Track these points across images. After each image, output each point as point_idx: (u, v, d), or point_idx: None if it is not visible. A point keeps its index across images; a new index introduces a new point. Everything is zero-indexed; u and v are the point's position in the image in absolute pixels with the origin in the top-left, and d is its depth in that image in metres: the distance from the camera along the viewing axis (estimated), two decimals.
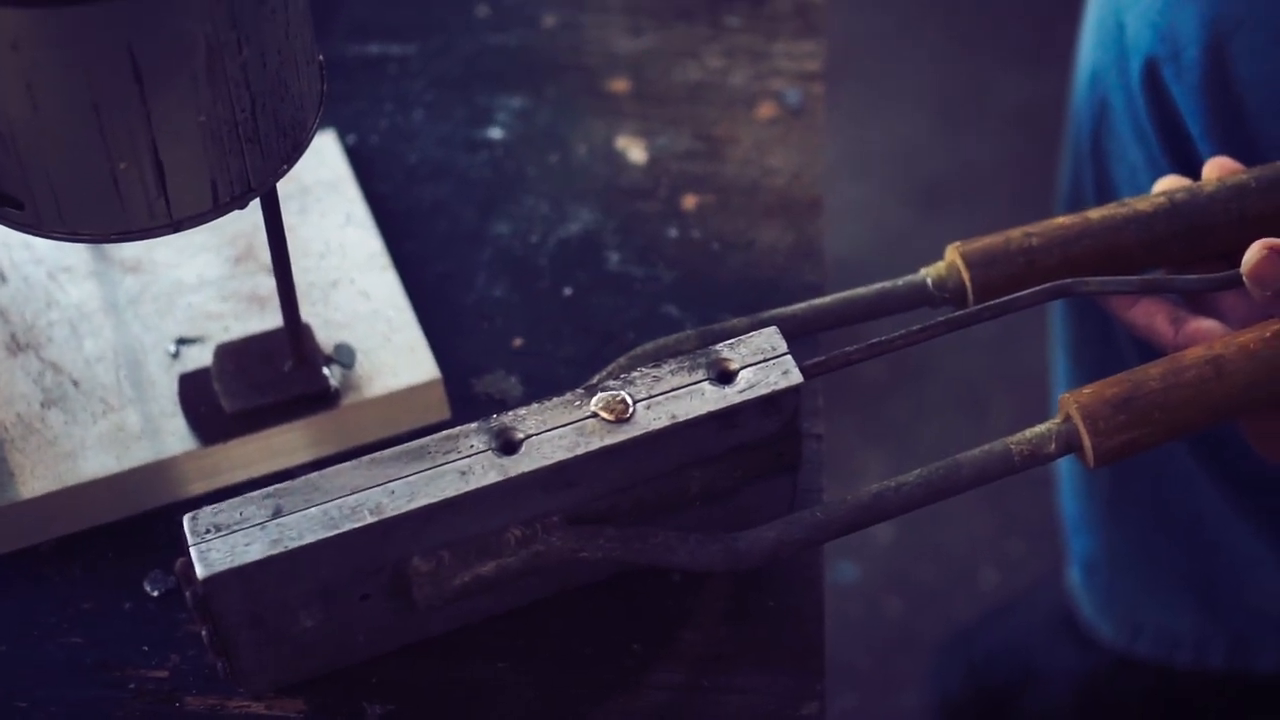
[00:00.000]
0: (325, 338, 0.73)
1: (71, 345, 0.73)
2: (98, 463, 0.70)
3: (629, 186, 0.80)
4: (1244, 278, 0.64)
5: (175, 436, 0.71)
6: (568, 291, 0.77)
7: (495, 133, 0.82)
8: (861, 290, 0.67)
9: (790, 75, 0.84)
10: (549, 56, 0.85)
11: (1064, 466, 1.10)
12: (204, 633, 0.60)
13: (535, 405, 0.60)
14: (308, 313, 0.73)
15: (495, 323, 0.76)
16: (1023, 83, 1.66)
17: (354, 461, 0.60)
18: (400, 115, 0.83)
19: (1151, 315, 0.69)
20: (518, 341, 0.75)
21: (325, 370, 0.71)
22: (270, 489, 0.59)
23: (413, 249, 0.78)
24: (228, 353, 0.72)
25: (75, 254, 0.76)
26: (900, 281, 0.68)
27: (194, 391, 0.72)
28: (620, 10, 0.87)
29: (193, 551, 0.58)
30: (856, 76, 1.69)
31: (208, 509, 0.59)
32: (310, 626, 0.60)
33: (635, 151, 0.82)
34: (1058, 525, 1.15)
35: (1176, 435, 0.64)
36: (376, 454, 0.60)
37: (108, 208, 0.60)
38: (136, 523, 0.70)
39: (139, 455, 0.70)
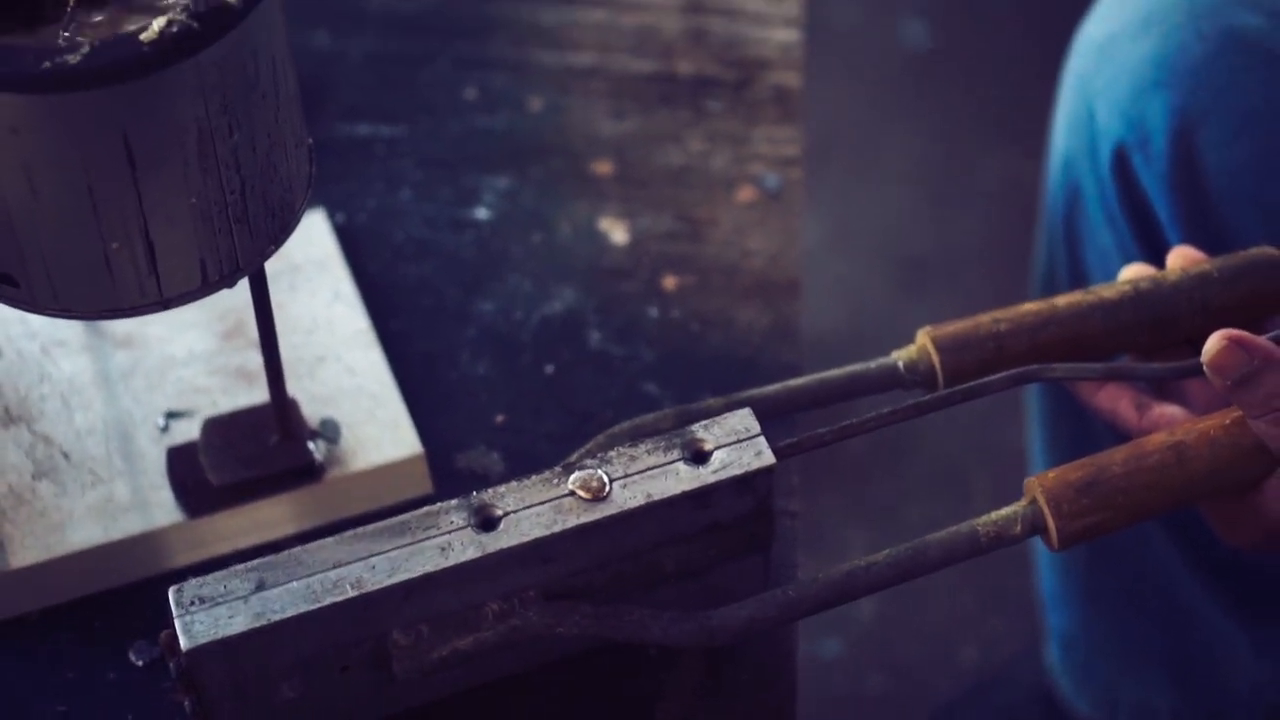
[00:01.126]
0: (311, 412, 0.75)
1: (63, 418, 0.75)
2: (86, 534, 0.71)
3: (611, 266, 0.82)
4: (1205, 367, 0.66)
5: (162, 509, 0.72)
6: (549, 369, 0.78)
7: (481, 213, 0.84)
8: (835, 372, 0.69)
9: (769, 160, 0.86)
10: (535, 139, 0.87)
11: (1040, 544, 1.12)
12: (187, 703, 0.61)
13: (514, 483, 0.62)
14: (294, 387, 0.75)
15: (478, 399, 0.77)
16: (1004, 163, 1.68)
17: (336, 536, 0.61)
18: (389, 195, 0.85)
19: (1116, 400, 0.71)
20: (499, 418, 0.77)
21: (310, 445, 0.73)
22: (254, 563, 0.61)
23: (399, 326, 0.80)
24: (215, 427, 0.73)
25: (68, 329, 0.78)
26: (873, 364, 0.69)
27: (182, 464, 0.73)
28: (604, 95, 0.89)
29: (177, 623, 0.59)
30: (841, 154, 1.71)
31: (193, 582, 0.60)
32: (292, 698, 0.62)
33: (617, 232, 0.84)
34: (1037, 602, 1.16)
35: (1139, 519, 0.66)
36: (359, 529, 0.61)
37: (100, 286, 0.62)
38: (123, 593, 0.71)
39: (126, 527, 0.71)
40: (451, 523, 0.61)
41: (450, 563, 0.60)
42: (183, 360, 0.77)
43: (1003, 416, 1.46)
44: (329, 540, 0.61)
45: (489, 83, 0.89)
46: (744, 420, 0.64)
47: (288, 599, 0.59)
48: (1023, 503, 0.66)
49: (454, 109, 0.88)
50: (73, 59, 0.56)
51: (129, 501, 0.72)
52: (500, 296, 0.81)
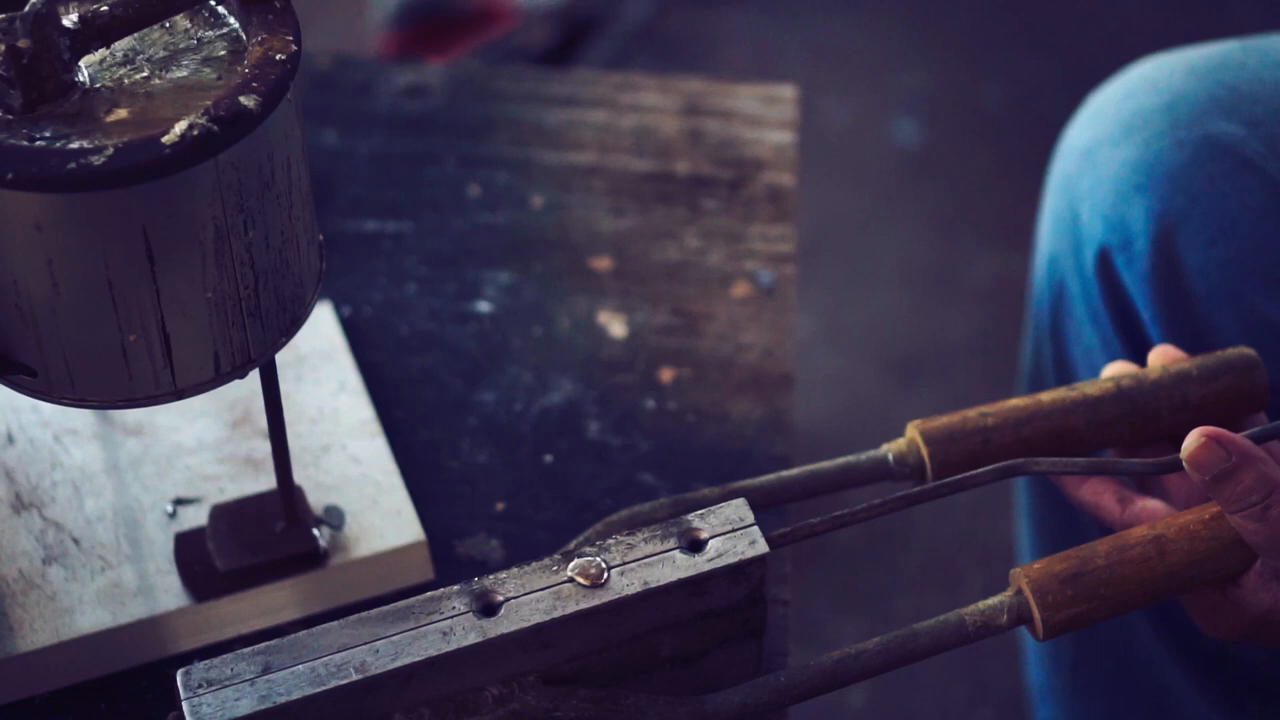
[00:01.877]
0: (316, 500, 0.77)
1: (73, 504, 0.77)
2: (95, 618, 0.73)
3: (609, 359, 0.84)
4: (1184, 463, 0.68)
5: (170, 594, 0.74)
6: (548, 459, 0.81)
7: (483, 306, 0.87)
8: (827, 464, 0.71)
9: (764, 257, 0.89)
10: (536, 235, 0.90)
11: (1028, 636, 1.13)
12: None
13: (514, 569, 0.64)
14: (300, 475, 0.77)
15: (478, 488, 0.79)
16: (993, 262, 1.71)
17: (341, 621, 0.63)
18: (394, 288, 0.87)
19: (1100, 494, 0.73)
20: (500, 506, 0.79)
21: (315, 531, 0.75)
22: (260, 646, 0.62)
23: (402, 416, 0.82)
24: (222, 513, 0.75)
25: (80, 417, 0.80)
26: (863, 456, 0.72)
27: (189, 550, 0.75)
28: (604, 193, 0.92)
29: (185, 705, 0.61)
30: (835, 253, 1.74)
31: (200, 665, 0.62)
32: None
33: (616, 326, 0.86)
34: (1025, 695, 1.17)
35: (1122, 610, 0.67)
36: (363, 614, 0.63)
37: (116, 377, 0.64)
38: (130, 676, 0.73)
39: (134, 611, 0.73)
40: (453, 608, 0.63)
41: (452, 647, 0.61)
42: (191, 449, 0.79)
43: (992, 509, 1.48)
44: (334, 624, 0.63)
45: (492, 181, 0.92)
46: (739, 510, 0.66)
47: (293, 682, 0.61)
48: (1008, 593, 0.67)
49: (458, 206, 0.91)
50: (97, 160, 0.58)
51: (137, 586, 0.74)
52: (501, 387, 0.83)
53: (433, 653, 0.61)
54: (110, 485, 0.77)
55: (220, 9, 0.65)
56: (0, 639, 0.72)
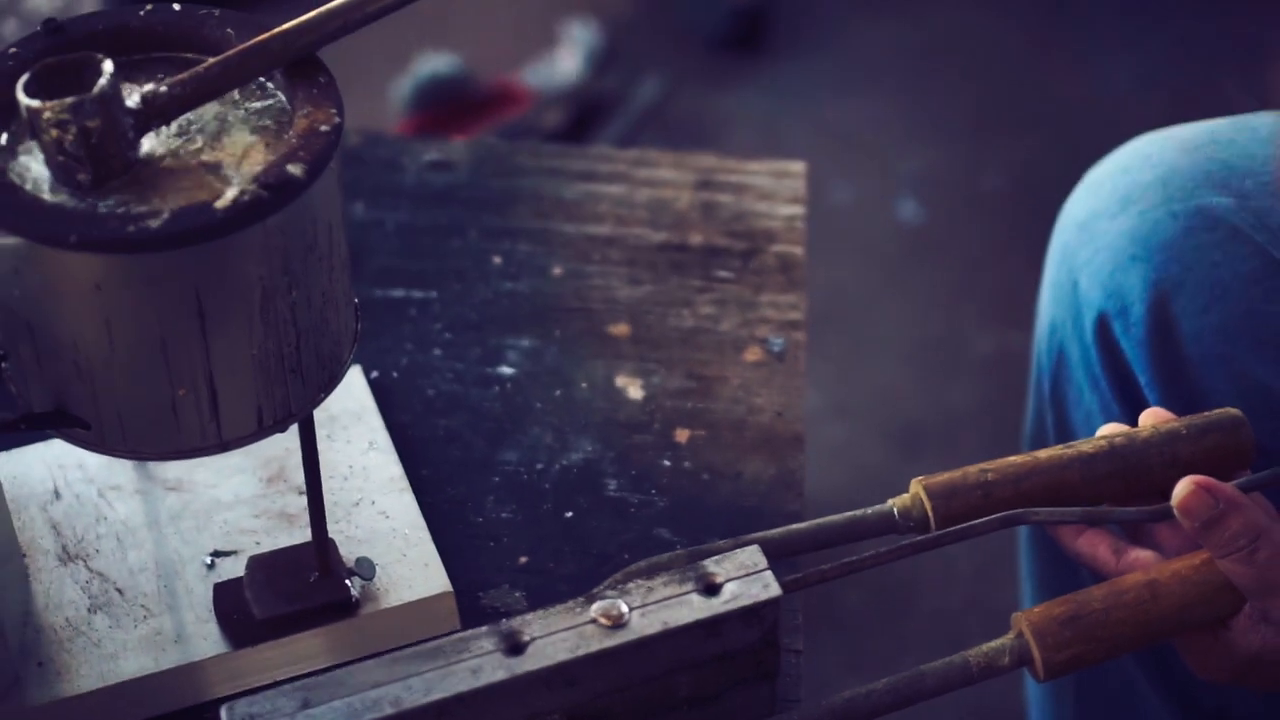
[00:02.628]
0: (347, 552, 0.80)
1: (117, 556, 0.80)
2: (137, 664, 0.76)
3: (627, 420, 0.88)
4: (1175, 510, 0.71)
5: (208, 641, 0.77)
6: (569, 514, 0.84)
7: (506, 370, 0.90)
8: (835, 517, 0.74)
9: (775, 324, 0.93)
10: (556, 302, 0.94)
11: (1031, 694, 1.16)
12: None
13: (540, 611, 0.67)
14: (332, 529, 0.80)
15: (502, 542, 0.83)
16: (994, 336, 1.75)
17: (375, 659, 0.66)
18: (420, 353, 0.91)
19: (1095, 546, 0.76)
20: (522, 559, 0.82)
21: (347, 582, 0.78)
22: (299, 683, 0.66)
23: (429, 474, 0.85)
24: (259, 564, 0.78)
25: (123, 473, 0.83)
26: (870, 510, 0.75)
27: (227, 599, 0.78)
28: (622, 263, 0.96)
29: None
30: (841, 327, 1.79)
31: (243, 701, 0.65)
32: None
33: (633, 389, 0.90)
34: None
35: (1119, 652, 0.71)
36: (396, 653, 0.66)
37: (166, 429, 0.68)
38: (171, 719, 0.76)
39: (175, 657, 0.76)
40: (482, 647, 0.66)
41: (481, 684, 0.65)
42: (228, 504, 0.83)
43: (997, 575, 1.51)
44: (369, 662, 0.66)
45: (514, 251, 0.96)
46: (752, 556, 0.69)
47: (330, 717, 0.64)
48: (1010, 636, 0.71)
49: (481, 274, 0.95)
50: (154, 223, 0.62)
51: (178, 634, 0.77)
52: (523, 447, 0.87)
53: (463, 689, 0.65)
54: (151, 538, 0.81)
55: (268, 84, 0.69)
56: (49, 683, 0.75)
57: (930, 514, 0.74)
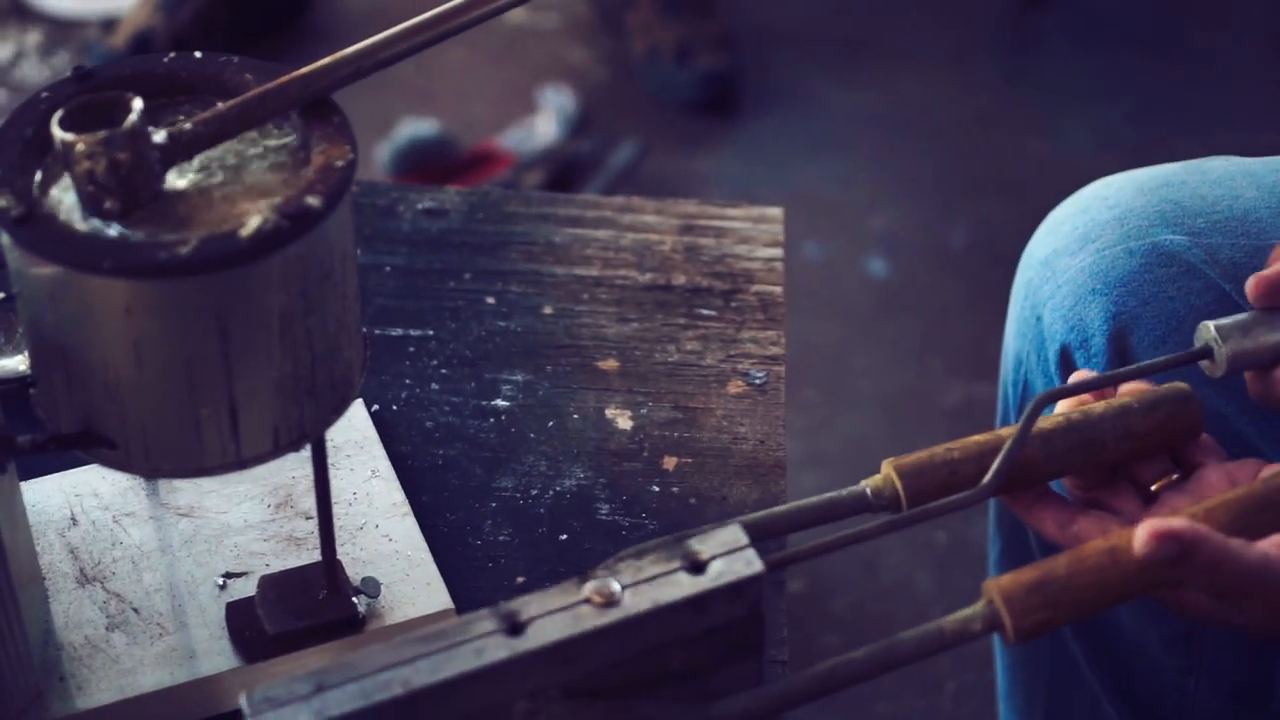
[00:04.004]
0: (353, 573, 0.84)
1: (133, 578, 0.84)
2: (154, 678, 0.80)
3: (617, 449, 0.93)
4: (1138, 557, 0.75)
5: (222, 656, 0.81)
6: (563, 537, 0.88)
7: (501, 403, 0.95)
8: (810, 500, 0.79)
9: (756, 358, 0.98)
10: (548, 340, 0.98)
11: (1002, 710, 1.20)
12: None
13: (536, 593, 0.71)
14: (338, 552, 0.84)
15: (500, 563, 0.87)
16: (962, 386, 1.80)
17: (383, 644, 0.70)
18: (419, 387, 0.95)
19: (1042, 520, 0.81)
20: (520, 579, 0.86)
21: (354, 600, 0.82)
22: (314, 669, 0.69)
23: (429, 500, 0.89)
24: (270, 583, 0.82)
25: (137, 501, 0.87)
26: (844, 492, 0.79)
27: (239, 617, 0.82)
28: (610, 302, 1.01)
29: None
30: (814, 379, 1.83)
31: (261, 687, 0.68)
32: None
33: (622, 420, 0.94)
34: None
35: (1085, 614, 0.74)
36: (403, 636, 0.70)
37: (188, 448, 0.72)
38: None
39: (190, 671, 0.80)
40: (483, 629, 0.70)
41: (484, 663, 0.68)
42: (238, 528, 0.86)
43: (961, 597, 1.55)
44: (378, 647, 0.69)
45: (506, 292, 1.01)
46: (734, 534, 0.73)
47: (344, 698, 0.67)
48: (981, 604, 0.74)
49: (476, 314, 1.00)
50: (184, 251, 0.67)
51: (193, 650, 0.81)
52: (519, 475, 0.91)
53: (467, 668, 0.68)
54: (165, 561, 0.85)
55: (285, 124, 0.74)
56: (70, 697, 0.78)
57: (901, 493, 0.79)
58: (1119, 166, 1.06)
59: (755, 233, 1.05)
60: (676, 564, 0.72)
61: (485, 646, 0.69)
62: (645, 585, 0.71)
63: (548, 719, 0.70)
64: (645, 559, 0.72)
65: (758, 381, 0.96)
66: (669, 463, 0.92)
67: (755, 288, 1.02)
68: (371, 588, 0.83)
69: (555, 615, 0.70)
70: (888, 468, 0.80)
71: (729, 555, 0.72)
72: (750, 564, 0.72)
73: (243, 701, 0.68)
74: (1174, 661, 1.05)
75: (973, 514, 1.64)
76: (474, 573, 0.86)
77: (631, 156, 2.02)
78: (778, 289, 1.01)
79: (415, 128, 1.99)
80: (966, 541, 1.65)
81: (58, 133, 0.68)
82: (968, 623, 0.73)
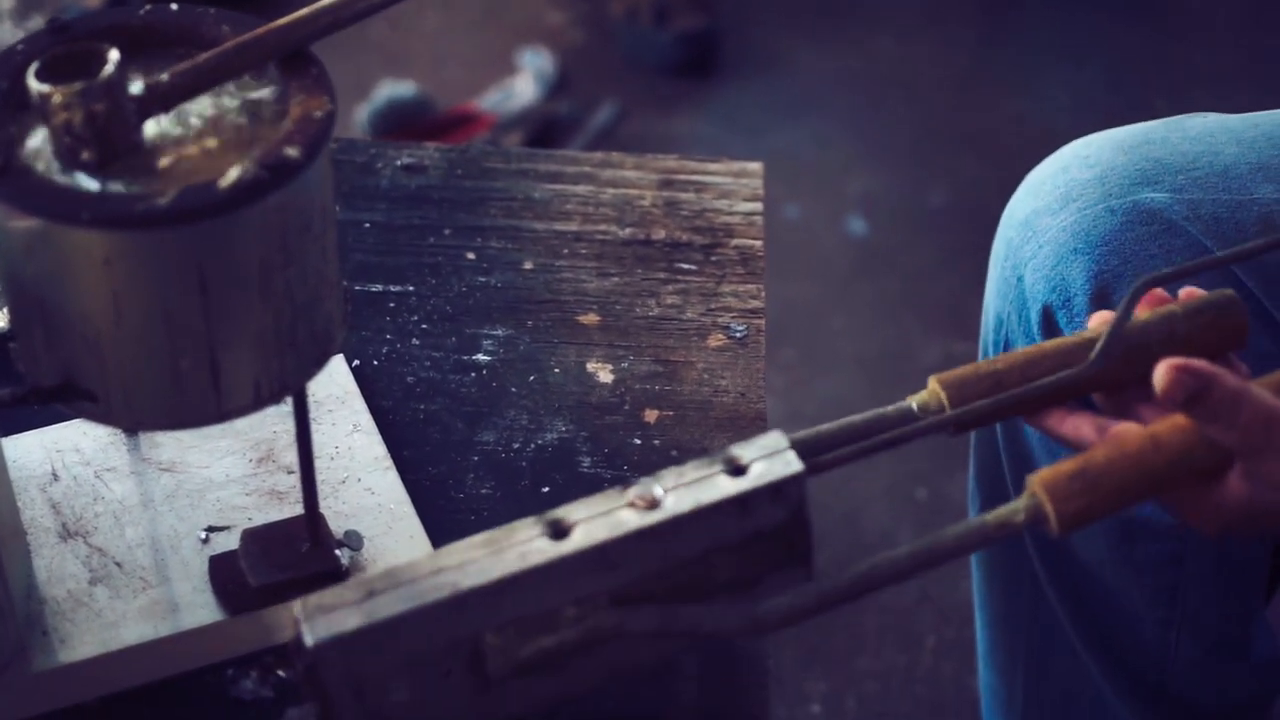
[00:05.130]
0: (336, 526, 0.84)
1: (115, 533, 0.84)
2: (137, 631, 0.80)
3: (598, 402, 0.93)
4: (1157, 392, 0.75)
5: (206, 609, 0.81)
6: (545, 490, 0.88)
7: (482, 357, 0.95)
8: (856, 416, 0.79)
9: (736, 311, 0.98)
10: (529, 294, 0.98)
11: (984, 680, 1.21)
12: (312, 706, 0.69)
13: (580, 500, 0.72)
14: (321, 506, 0.84)
15: (482, 516, 0.87)
16: (941, 344, 1.81)
17: (427, 554, 0.71)
18: (399, 343, 0.95)
19: (1079, 426, 0.81)
20: None
21: (337, 552, 0.82)
22: (365, 576, 0.70)
23: (411, 455, 0.90)
24: (253, 536, 0.82)
25: (118, 456, 0.87)
26: (889, 408, 0.79)
27: (222, 571, 0.82)
28: (590, 257, 1.01)
29: (303, 627, 0.68)
30: (793, 339, 1.84)
31: (314, 595, 0.69)
32: (403, 702, 0.70)
33: (603, 374, 0.94)
34: None
35: (1125, 502, 0.75)
36: (449, 545, 0.71)
37: (169, 400, 0.72)
38: (171, 683, 0.80)
39: (173, 624, 0.80)
40: (528, 534, 0.71)
41: (529, 565, 0.69)
42: (220, 483, 0.86)
43: (950, 574, 1.56)
44: (423, 555, 0.70)
45: (486, 248, 1.01)
46: (775, 440, 0.74)
47: (395, 601, 0.68)
48: (1023, 498, 0.75)
49: (455, 270, 1.00)
50: (162, 202, 0.67)
51: (175, 603, 0.81)
52: (500, 429, 0.91)
53: (514, 571, 0.69)
54: (147, 516, 0.85)
55: (262, 76, 0.73)
56: (53, 651, 0.79)
57: (947, 404, 0.79)
58: (1097, 126, 1.06)
59: (735, 187, 1.05)
60: (718, 468, 0.73)
61: (530, 551, 0.70)
62: (687, 489, 0.72)
63: (595, 624, 0.70)
64: (687, 465, 0.73)
65: (738, 335, 0.97)
66: (650, 416, 0.92)
67: (735, 242, 1.02)
68: (354, 540, 0.84)
69: (598, 520, 0.71)
70: (933, 383, 0.80)
71: (769, 458, 0.73)
72: (790, 465, 0.73)
73: (296, 609, 0.68)
74: (1156, 615, 1.05)
75: (953, 469, 1.65)
76: (456, 525, 0.86)
77: (610, 118, 2.02)
78: (758, 243, 1.01)
79: (394, 89, 1.98)
80: (947, 498, 1.66)
81: (34, 84, 0.68)
82: (1011, 515, 0.73)
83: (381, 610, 0.68)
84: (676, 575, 0.72)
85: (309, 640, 0.67)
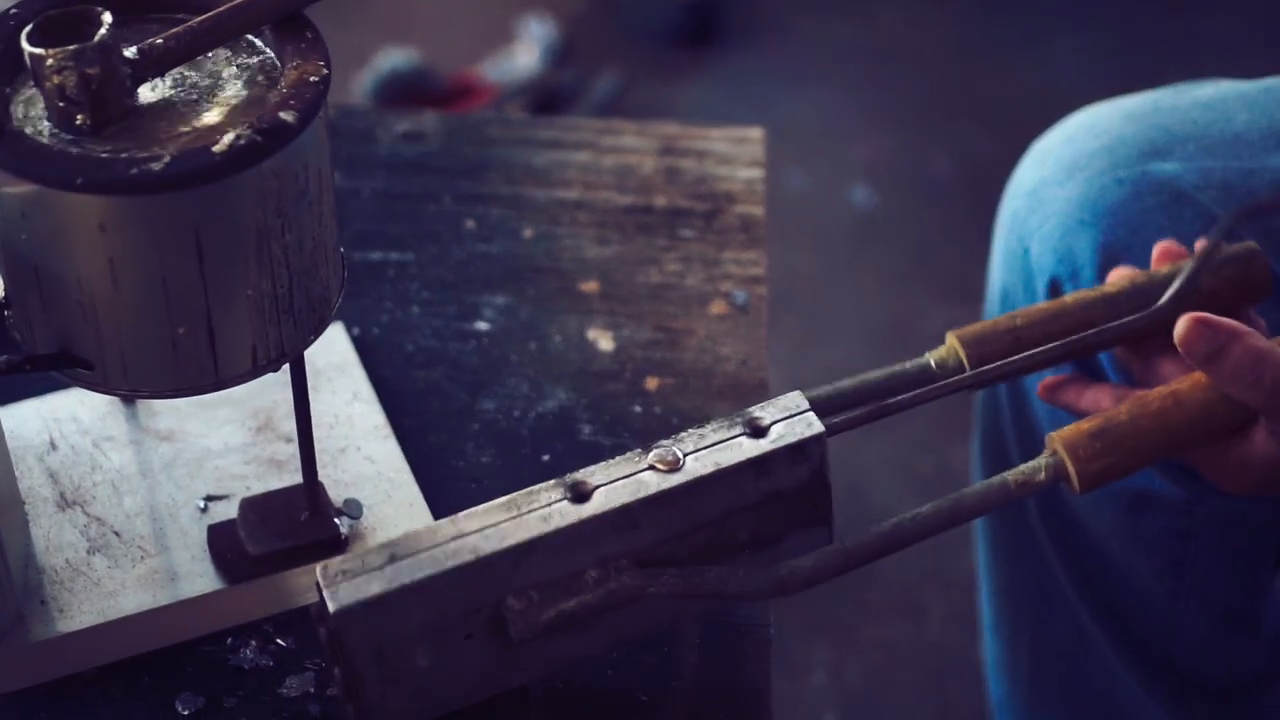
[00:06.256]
0: (335, 495, 0.84)
1: (113, 502, 0.84)
2: (136, 600, 0.79)
3: (599, 370, 0.92)
4: (1178, 347, 0.75)
5: (204, 578, 0.80)
6: (546, 458, 0.88)
7: (482, 325, 0.94)
8: (875, 373, 0.79)
9: (738, 279, 0.97)
10: (529, 262, 0.98)
11: (989, 650, 1.20)
12: (336, 672, 0.69)
13: (601, 464, 0.72)
14: (320, 474, 0.84)
15: (483, 484, 0.87)
16: (945, 312, 1.80)
17: (451, 517, 0.71)
18: (399, 311, 0.95)
19: (1098, 399, 0.80)
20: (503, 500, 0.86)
21: (336, 521, 0.82)
22: (384, 542, 0.70)
23: (411, 423, 0.89)
24: (252, 505, 0.82)
25: (116, 425, 0.87)
26: (908, 364, 0.79)
27: (221, 540, 0.82)
28: (590, 224, 1.00)
29: (325, 593, 0.68)
30: (798, 307, 1.83)
31: (336, 559, 0.69)
32: (425, 666, 0.70)
33: (604, 341, 0.94)
34: (987, 711, 1.24)
35: (1147, 460, 0.74)
36: (471, 509, 0.71)
37: (166, 367, 0.71)
38: (169, 652, 0.79)
39: (172, 593, 0.80)
40: (550, 498, 0.71)
41: (551, 528, 0.69)
42: (219, 452, 0.86)
43: (954, 544, 1.55)
44: (444, 520, 0.70)
45: (487, 215, 1.00)
46: (795, 400, 0.74)
47: (417, 566, 0.68)
48: (1044, 456, 0.74)
49: (456, 238, 0.99)
50: (156, 166, 0.66)
51: (174, 572, 0.81)
52: (501, 397, 0.91)
53: (536, 534, 0.69)
54: (146, 485, 0.84)
55: (257, 41, 0.73)
56: (52, 620, 0.78)
57: (965, 360, 0.78)
58: (1106, 94, 1.05)
59: (736, 154, 1.04)
60: (738, 430, 0.72)
61: (552, 514, 0.70)
62: (707, 451, 0.72)
63: (618, 587, 0.70)
64: (707, 427, 0.72)
65: (739, 302, 0.96)
66: (651, 383, 0.92)
67: (736, 208, 1.01)
68: (354, 509, 0.83)
69: (620, 482, 0.71)
70: (951, 339, 0.79)
71: (790, 419, 0.73)
72: (811, 425, 0.73)
73: (319, 573, 0.68)
74: (1164, 588, 1.05)
75: (957, 440, 1.65)
76: (456, 494, 0.86)
77: (613, 87, 2.01)
78: (759, 210, 1.01)
79: (395, 59, 1.97)
80: (951, 469, 1.65)
81: (27, 47, 0.67)
82: (1032, 474, 0.73)
83: (403, 575, 0.68)
84: (697, 537, 0.72)
85: (332, 606, 0.67)
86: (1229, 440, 0.77)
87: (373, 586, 0.68)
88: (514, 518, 0.70)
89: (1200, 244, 0.82)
